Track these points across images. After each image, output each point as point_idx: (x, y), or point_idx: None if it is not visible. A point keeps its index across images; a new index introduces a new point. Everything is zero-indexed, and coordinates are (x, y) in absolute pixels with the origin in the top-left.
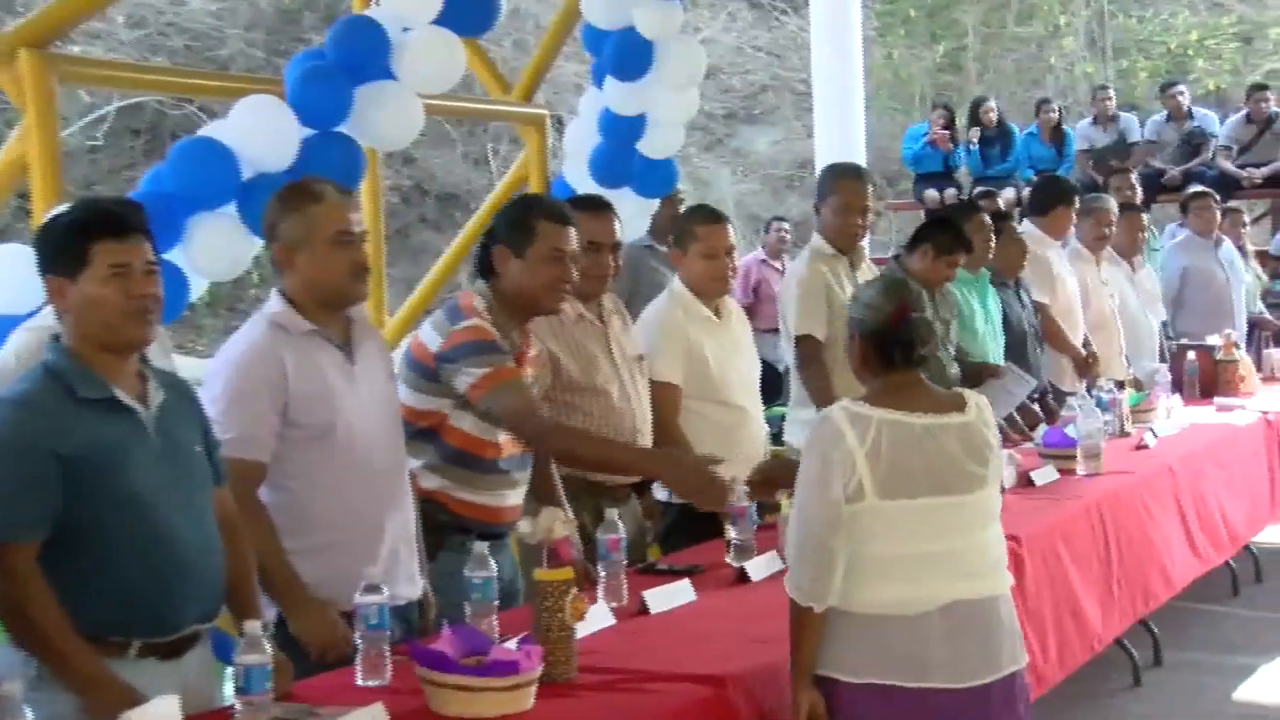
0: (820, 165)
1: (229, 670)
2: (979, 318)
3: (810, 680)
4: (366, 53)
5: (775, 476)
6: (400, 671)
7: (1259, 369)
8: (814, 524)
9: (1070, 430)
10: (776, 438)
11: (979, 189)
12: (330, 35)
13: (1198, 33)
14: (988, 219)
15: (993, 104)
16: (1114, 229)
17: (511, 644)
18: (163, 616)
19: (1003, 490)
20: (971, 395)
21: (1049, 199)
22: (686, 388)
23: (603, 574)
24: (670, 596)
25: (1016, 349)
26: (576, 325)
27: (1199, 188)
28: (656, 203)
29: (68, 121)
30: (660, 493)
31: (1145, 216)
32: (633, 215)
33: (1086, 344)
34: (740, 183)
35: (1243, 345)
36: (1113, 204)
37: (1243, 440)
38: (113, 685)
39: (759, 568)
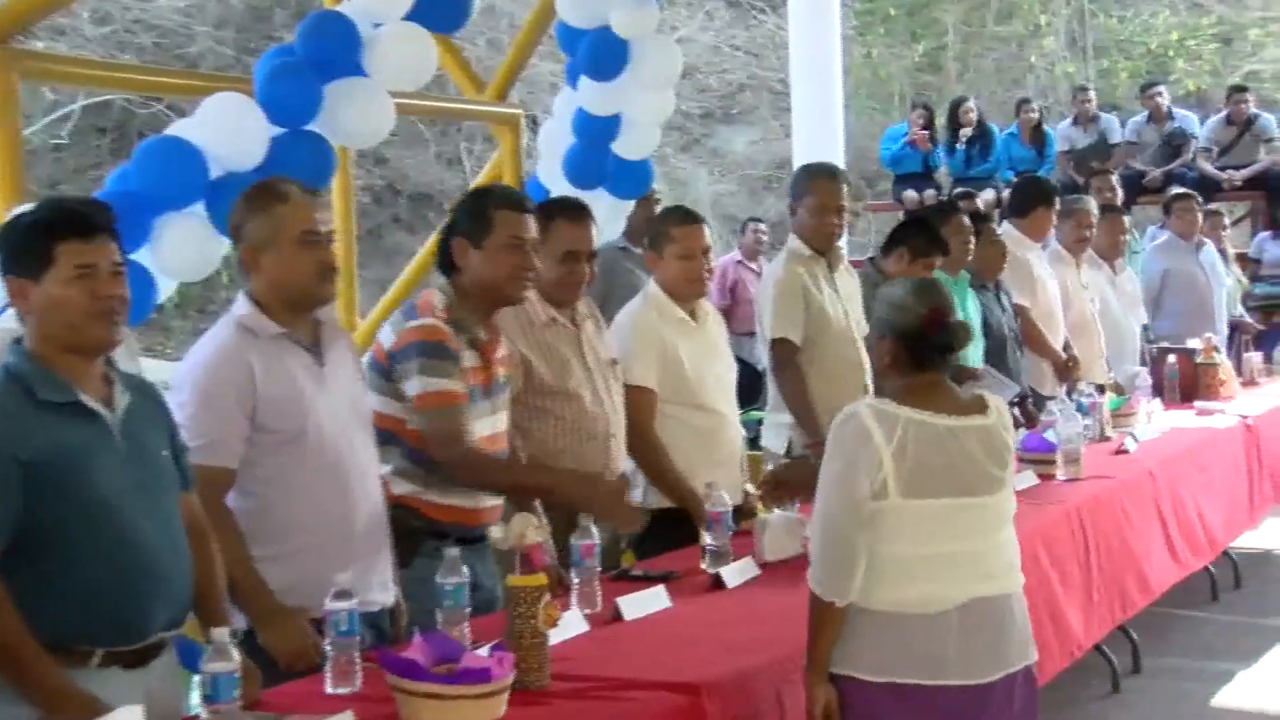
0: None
1: (196, 679)
2: None
3: (826, 676)
4: (337, 49)
5: (789, 480)
6: (371, 679)
7: (1239, 373)
8: (839, 520)
9: (1050, 435)
10: (754, 442)
11: (958, 190)
12: (300, 31)
13: (1178, 33)
14: (967, 220)
15: (972, 104)
16: (1095, 231)
17: (483, 651)
18: (128, 623)
19: None
20: (991, 399)
21: (1028, 200)
22: (662, 392)
23: (576, 580)
24: (645, 603)
25: (996, 352)
26: (548, 328)
27: (1181, 189)
28: (631, 204)
29: (31, 119)
30: (635, 497)
31: (1126, 218)
32: (607, 217)
33: (1067, 347)
34: (717, 183)
35: (1223, 349)
36: (1093, 205)
37: (1222, 445)
38: (74, 696)
39: (734, 574)
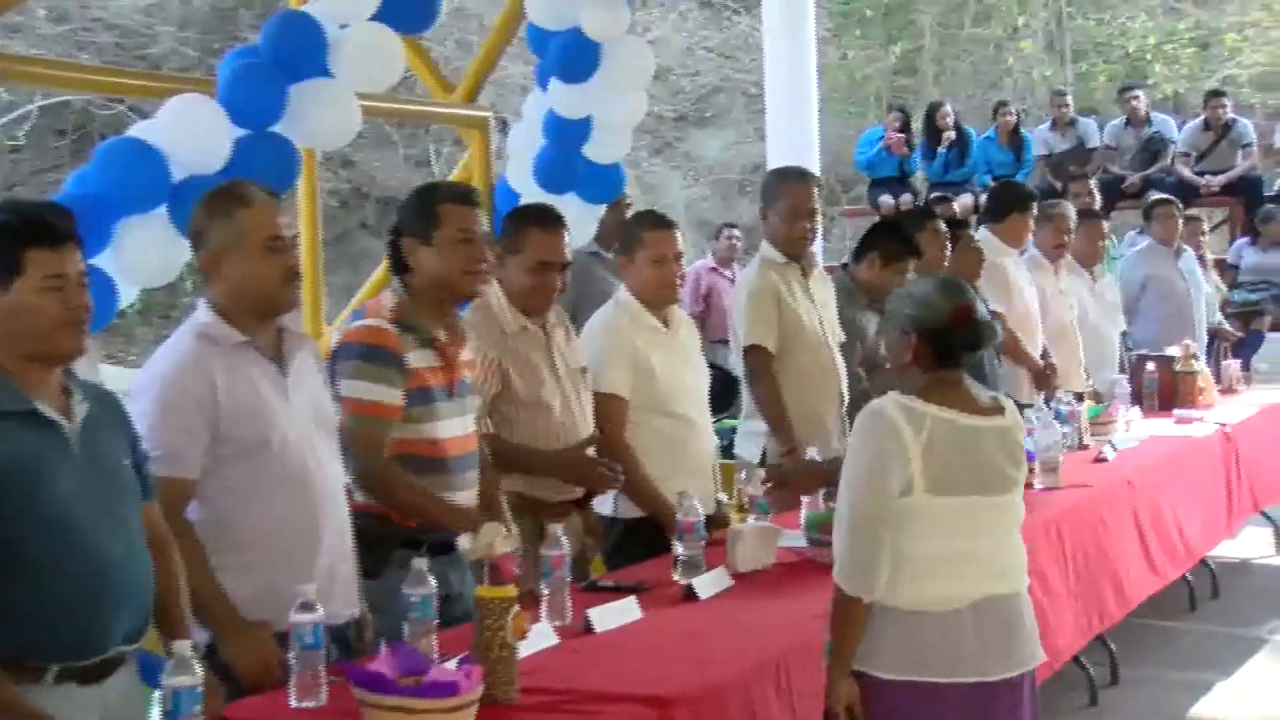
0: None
1: (156, 694)
2: None
3: (849, 671)
4: (302, 50)
5: (793, 482)
6: (336, 693)
7: (1217, 380)
8: (868, 515)
9: (1028, 443)
10: (727, 450)
11: (934, 195)
12: (264, 31)
13: (1155, 37)
14: (942, 226)
15: (949, 108)
16: (1073, 236)
17: (451, 664)
18: (87, 637)
19: None
20: (1007, 400)
21: (1004, 205)
22: (633, 399)
23: (546, 591)
24: (616, 615)
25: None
26: (520, 336)
27: (1162, 195)
28: (603, 209)
29: None
30: (604, 508)
31: (1105, 224)
32: (578, 221)
33: (1045, 355)
34: (690, 187)
35: (1202, 356)
36: (1071, 210)
37: (1200, 453)
38: (26, 715)
39: (706, 585)
